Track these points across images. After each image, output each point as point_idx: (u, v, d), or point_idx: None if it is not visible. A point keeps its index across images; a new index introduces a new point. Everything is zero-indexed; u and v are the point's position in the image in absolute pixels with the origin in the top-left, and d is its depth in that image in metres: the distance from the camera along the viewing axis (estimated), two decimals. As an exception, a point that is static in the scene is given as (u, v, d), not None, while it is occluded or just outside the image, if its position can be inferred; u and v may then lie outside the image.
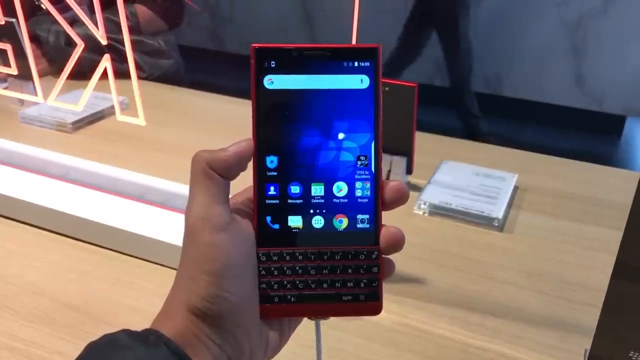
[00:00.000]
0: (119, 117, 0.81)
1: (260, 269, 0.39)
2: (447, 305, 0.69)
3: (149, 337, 0.36)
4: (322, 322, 0.43)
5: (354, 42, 0.67)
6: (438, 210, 0.85)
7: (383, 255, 0.40)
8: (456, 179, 0.92)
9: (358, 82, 0.39)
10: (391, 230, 0.40)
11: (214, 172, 0.38)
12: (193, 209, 0.38)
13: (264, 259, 0.39)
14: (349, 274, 0.40)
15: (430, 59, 2.93)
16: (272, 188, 0.39)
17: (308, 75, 0.39)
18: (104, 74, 0.78)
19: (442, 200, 0.86)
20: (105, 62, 0.77)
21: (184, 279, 0.38)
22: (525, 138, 2.73)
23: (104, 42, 0.75)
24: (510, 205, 0.89)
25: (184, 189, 0.84)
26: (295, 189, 0.39)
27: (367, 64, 0.39)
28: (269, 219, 0.39)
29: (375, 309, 0.40)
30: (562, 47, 2.68)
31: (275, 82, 0.39)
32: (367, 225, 0.40)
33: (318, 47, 0.39)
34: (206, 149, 0.39)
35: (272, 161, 0.39)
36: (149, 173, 0.89)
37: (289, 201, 0.39)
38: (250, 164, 0.39)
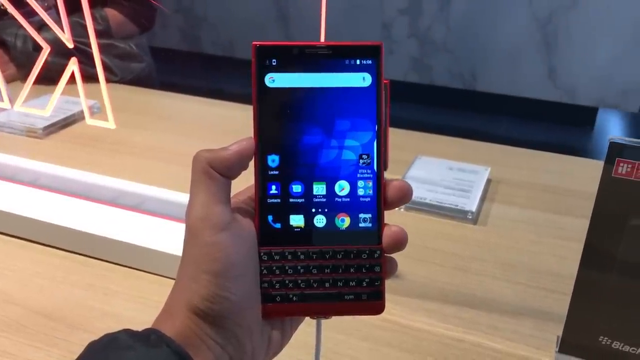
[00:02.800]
0: (89, 121, 0.80)
1: (262, 268, 0.39)
2: (424, 299, 0.70)
3: (150, 337, 0.35)
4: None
5: (322, 38, 0.67)
6: (413, 205, 0.85)
7: (385, 254, 0.40)
8: (430, 173, 0.93)
9: (360, 80, 0.39)
10: (393, 229, 0.40)
11: (214, 171, 0.38)
12: (193, 209, 0.37)
13: (265, 258, 0.39)
14: (351, 273, 0.39)
15: (406, 56, 2.94)
16: (273, 187, 0.39)
17: (310, 73, 0.39)
18: (75, 78, 0.77)
19: (417, 195, 0.86)
20: (73, 66, 0.76)
21: (185, 279, 0.37)
22: (500, 132, 2.76)
23: (70, 45, 0.74)
24: (483, 198, 0.90)
25: (156, 192, 0.83)
26: (297, 188, 0.39)
27: (369, 61, 0.39)
28: (270, 218, 0.39)
29: (378, 309, 0.40)
30: (533, 42, 2.71)
31: (276, 80, 0.39)
32: (370, 224, 0.40)
33: (320, 45, 0.39)
34: (207, 148, 0.38)
35: (273, 160, 0.39)
36: (122, 177, 0.88)
37: (291, 200, 0.39)
38: (252, 163, 0.39)
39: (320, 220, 0.39)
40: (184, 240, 0.38)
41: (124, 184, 0.85)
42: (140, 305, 0.68)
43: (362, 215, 0.40)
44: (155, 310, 0.66)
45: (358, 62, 0.39)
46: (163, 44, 3.34)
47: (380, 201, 0.40)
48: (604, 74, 2.65)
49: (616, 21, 2.54)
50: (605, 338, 0.57)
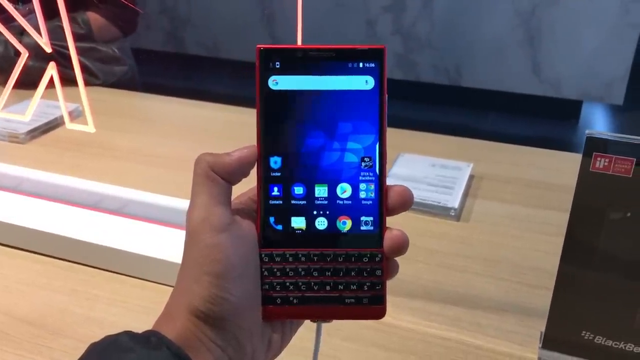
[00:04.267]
0: (69, 125, 0.79)
1: (263, 269, 0.39)
2: (408, 297, 0.70)
3: (150, 339, 0.35)
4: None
5: (299, 38, 0.67)
6: (396, 203, 0.85)
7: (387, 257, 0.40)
8: (413, 171, 0.93)
9: (363, 83, 0.39)
10: (395, 233, 0.39)
11: (216, 175, 0.38)
12: (194, 211, 0.38)
13: (266, 260, 0.39)
14: (352, 277, 0.39)
15: (391, 52, 2.95)
16: (275, 189, 0.39)
17: (313, 76, 0.39)
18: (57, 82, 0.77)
19: (400, 193, 0.86)
20: (51, 71, 0.75)
21: (185, 281, 0.37)
22: (486, 127, 2.77)
23: (48, 50, 0.74)
24: (466, 194, 0.90)
25: (139, 195, 0.83)
26: (298, 190, 0.39)
27: (372, 65, 0.39)
28: (272, 219, 0.39)
29: (379, 313, 0.40)
30: (517, 37, 2.72)
31: (279, 82, 0.39)
32: (371, 227, 0.40)
33: (323, 48, 0.39)
34: (209, 152, 0.39)
35: (275, 162, 0.39)
36: (104, 180, 0.87)
37: (293, 202, 0.39)
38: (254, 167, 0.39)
39: (321, 223, 0.39)
40: (185, 242, 0.38)
41: (106, 187, 0.85)
42: (123, 310, 0.68)
43: (363, 218, 0.40)
44: (138, 315, 0.67)
45: (361, 65, 0.39)
46: (147, 45, 3.32)
47: (382, 204, 0.40)
48: (587, 67, 2.67)
49: (599, 13, 2.56)
50: (588, 333, 0.57)
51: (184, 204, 0.80)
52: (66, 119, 0.79)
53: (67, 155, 1.03)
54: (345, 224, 0.40)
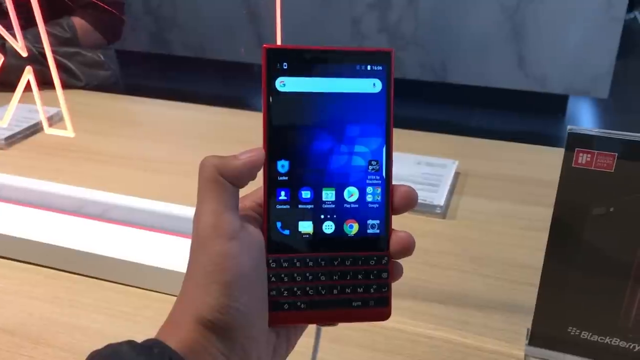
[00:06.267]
0: (47, 130, 0.78)
1: (270, 275, 0.38)
2: (394, 296, 0.69)
3: (153, 349, 0.34)
4: None
5: (279, 37, 0.66)
6: (382, 202, 0.84)
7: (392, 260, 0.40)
8: (398, 169, 0.93)
9: (370, 86, 0.39)
10: (401, 235, 0.40)
11: (224, 179, 0.37)
12: (203, 217, 0.37)
13: (274, 266, 0.38)
14: (359, 280, 0.39)
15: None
16: (282, 193, 0.39)
17: (320, 78, 0.39)
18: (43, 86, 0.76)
19: (385, 192, 0.86)
20: (28, 75, 0.74)
21: (192, 289, 0.36)
22: (472, 123, 2.77)
23: (24, 54, 0.73)
24: (452, 191, 0.90)
25: (121, 200, 0.82)
26: (306, 194, 0.39)
27: (380, 67, 0.39)
28: (279, 224, 0.39)
29: (384, 315, 0.40)
30: (502, 32, 2.72)
31: (287, 84, 0.38)
32: (378, 231, 0.40)
33: (331, 50, 0.39)
34: (214, 155, 0.38)
35: (283, 165, 0.39)
36: (87, 185, 0.86)
37: (300, 206, 0.39)
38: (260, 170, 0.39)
39: (329, 227, 0.39)
40: (192, 249, 0.37)
41: (88, 192, 0.84)
42: (107, 317, 0.67)
43: (370, 222, 0.39)
44: (123, 321, 0.66)
45: (369, 68, 0.39)
46: (132, 47, 3.30)
47: (388, 207, 0.40)
48: (573, 62, 2.68)
49: (583, 8, 2.57)
50: (574, 328, 0.57)
51: (168, 207, 0.80)
52: (44, 123, 0.78)
53: (48, 160, 1.01)
54: (352, 228, 0.39)
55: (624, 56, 2.67)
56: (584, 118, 2.95)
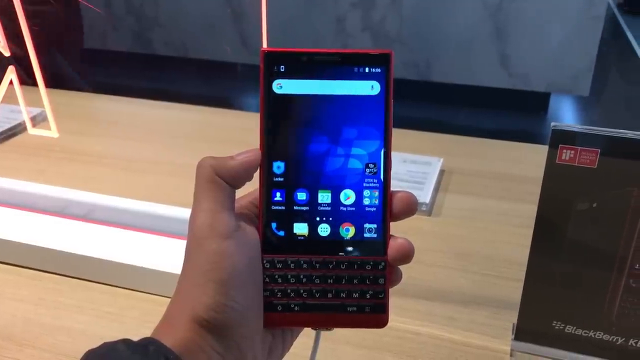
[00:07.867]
0: (31, 130, 0.77)
1: (264, 276, 0.38)
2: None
3: (148, 348, 0.34)
4: None
5: (264, 37, 0.66)
6: (368, 200, 0.85)
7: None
8: (384, 167, 0.93)
9: (368, 88, 0.39)
10: (399, 242, 0.39)
11: (220, 179, 0.37)
12: (199, 216, 0.37)
13: (268, 266, 0.38)
14: (354, 285, 0.39)
15: (361, 49, 2.95)
16: (278, 194, 0.39)
17: (318, 80, 0.38)
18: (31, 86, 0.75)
19: (371, 190, 0.86)
20: (11, 75, 0.73)
21: (187, 288, 0.36)
22: (457, 121, 2.79)
23: (6, 53, 0.72)
24: (437, 189, 0.90)
25: (105, 200, 0.81)
26: (301, 196, 0.39)
27: (379, 70, 0.39)
28: (274, 225, 0.39)
29: (381, 322, 0.39)
30: (485, 30, 2.74)
31: (284, 86, 0.38)
32: (375, 235, 0.39)
33: (329, 52, 0.38)
34: (211, 156, 0.38)
35: (279, 167, 0.39)
36: (71, 186, 0.85)
37: (295, 208, 0.39)
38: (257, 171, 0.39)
39: (324, 229, 0.39)
40: (187, 247, 0.37)
41: (72, 193, 0.83)
42: (92, 317, 0.66)
43: (367, 226, 0.39)
44: (108, 322, 0.65)
45: (367, 70, 0.39)
46: (114, 46, 3.27)
47: (386, 212, 0.39)
48: (554, 60, 2.70)
49: (564, 6, 2.59)
50: (559, 323, 0.57)
51: (152, 207, 0.79)
52: (28, 124, 0.77)
53: (31, 160, 1.00)
54: (348, 231, 0.39)
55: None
56: (565, 115, 2.98)
